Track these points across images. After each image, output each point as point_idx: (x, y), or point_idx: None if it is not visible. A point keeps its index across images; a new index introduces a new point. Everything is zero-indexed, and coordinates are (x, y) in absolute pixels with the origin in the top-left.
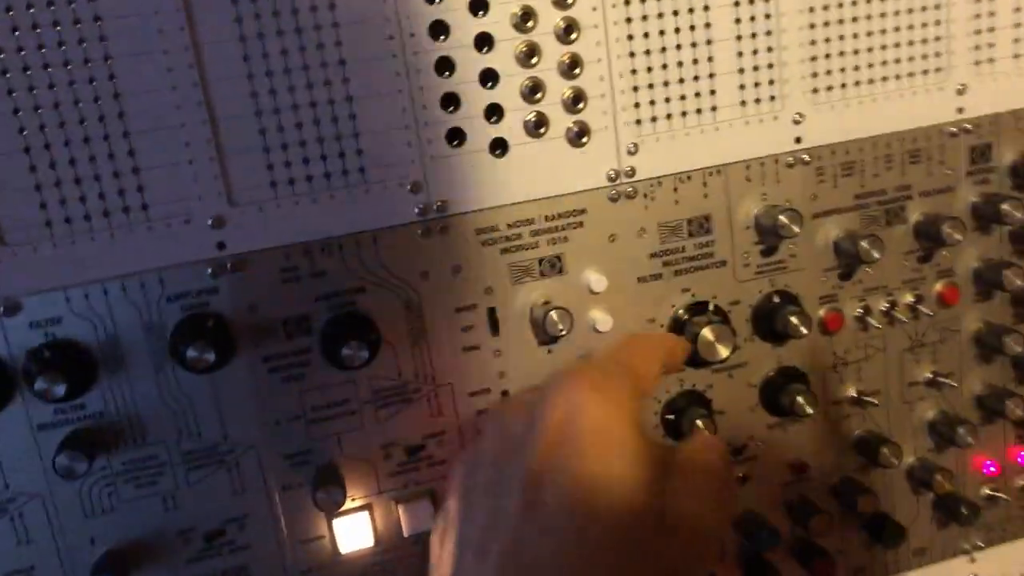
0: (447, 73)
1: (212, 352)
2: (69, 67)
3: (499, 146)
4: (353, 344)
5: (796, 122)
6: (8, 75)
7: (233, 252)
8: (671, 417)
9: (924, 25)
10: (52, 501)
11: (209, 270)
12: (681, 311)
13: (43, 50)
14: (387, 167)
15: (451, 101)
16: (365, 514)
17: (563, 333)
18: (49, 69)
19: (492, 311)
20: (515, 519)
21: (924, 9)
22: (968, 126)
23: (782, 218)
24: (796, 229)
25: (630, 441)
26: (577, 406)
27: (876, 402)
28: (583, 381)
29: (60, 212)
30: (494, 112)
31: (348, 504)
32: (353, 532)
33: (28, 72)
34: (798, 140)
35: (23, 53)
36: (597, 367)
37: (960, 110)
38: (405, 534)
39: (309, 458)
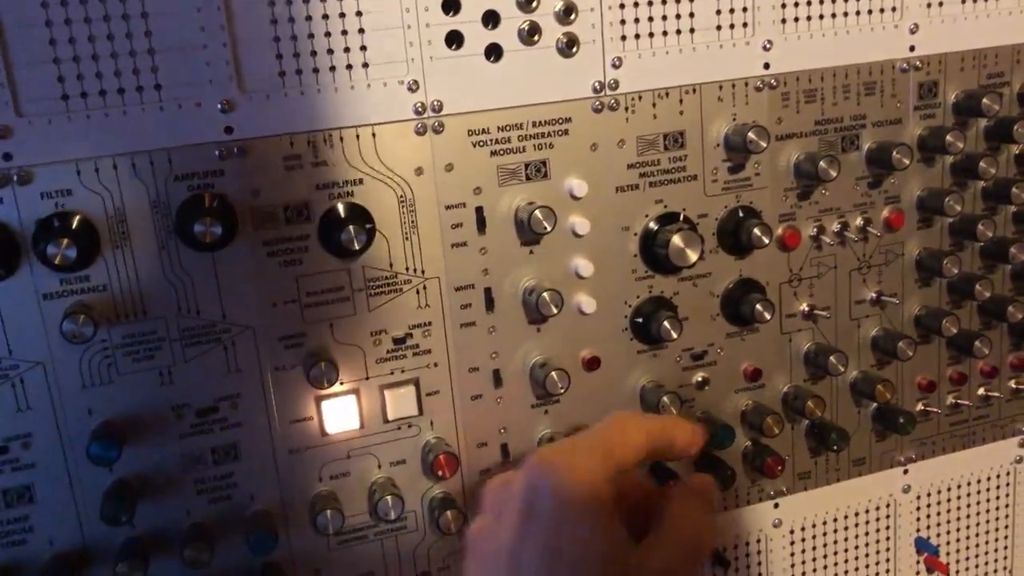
0: None
1: (219, 226)
2: None
3: (494, 51)
4: (351, 229)
5: (766, 48)
6: None
7: (240, 137)
8: (639, 320)
9: None
10: (53, 370)
11: (217, 152)
12: (652, 222)
13: None
14: (388, 65)
15: (451, 6)
16: (352, 397)
17: (547, 231)
18: None
19: (480, 210)
20: None
21: None
22: (918, 63)
23: (751, 135)
24: (763, 144)
25: (590, 512)
26: (542, 477)
27: (827, 315)
28: (551, 453)
29: (77, 87)
30: (491, 18)
31: (336, 388)
32: (340, 414)
33: None
34: (767, 66)
35: None
36: (570, 439)
37: (912, 48)
38: (389, 418)
39: (302, 341)
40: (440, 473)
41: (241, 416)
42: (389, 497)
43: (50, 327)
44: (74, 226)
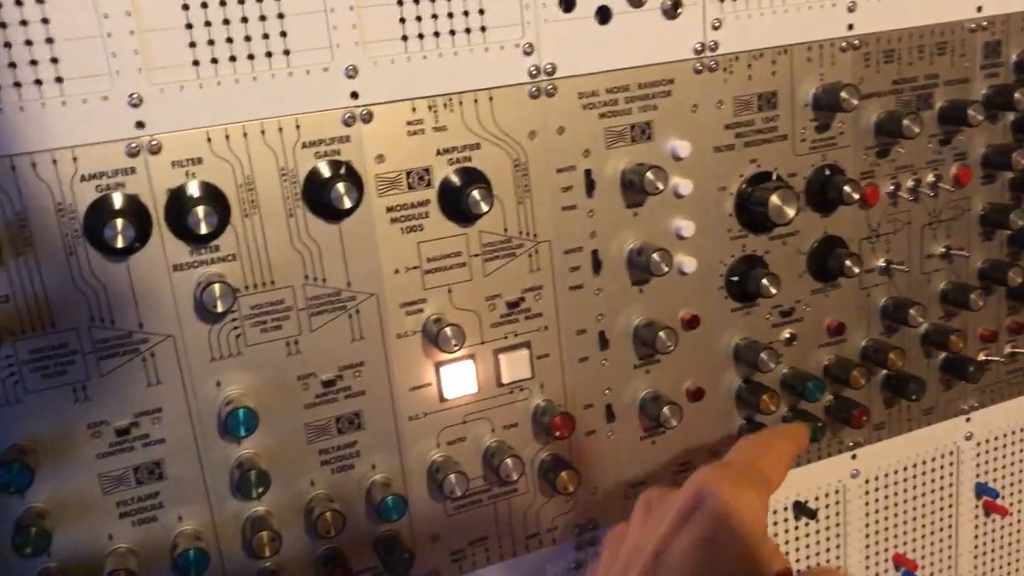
0: None
1: (356, 192)
2: None
3: (604, 14)
4: (476, 194)
5: (850, 10)
6: None
7: (365, 102)
8: (735, 279)
9: None
10: (182, 339)
11: (343, 118)
12: (745, 183)
13: None
14: (504, 27)
15: None
16: (470, 362)
17: (659, 191)
18: None
19: (588, 172)
20: None
21: None
22: (984, 23)
23: (843, 93)
24: (855, 103)
25: (755, 540)
26: (713, 507)
27: (905, 268)
28: (722, 484)
29: (208, 53)
30: None
31: (455, 353)
32: (458, 379)
33: None
34: (850, 27)
35: None
36: (735, 471)
37: (979, 8)
38: (504, 381)
39: (423, 307)
40: (559, 434)
41: (364, 384)
42: (509, 460)
43: (182, 297)
44: (206, 196)
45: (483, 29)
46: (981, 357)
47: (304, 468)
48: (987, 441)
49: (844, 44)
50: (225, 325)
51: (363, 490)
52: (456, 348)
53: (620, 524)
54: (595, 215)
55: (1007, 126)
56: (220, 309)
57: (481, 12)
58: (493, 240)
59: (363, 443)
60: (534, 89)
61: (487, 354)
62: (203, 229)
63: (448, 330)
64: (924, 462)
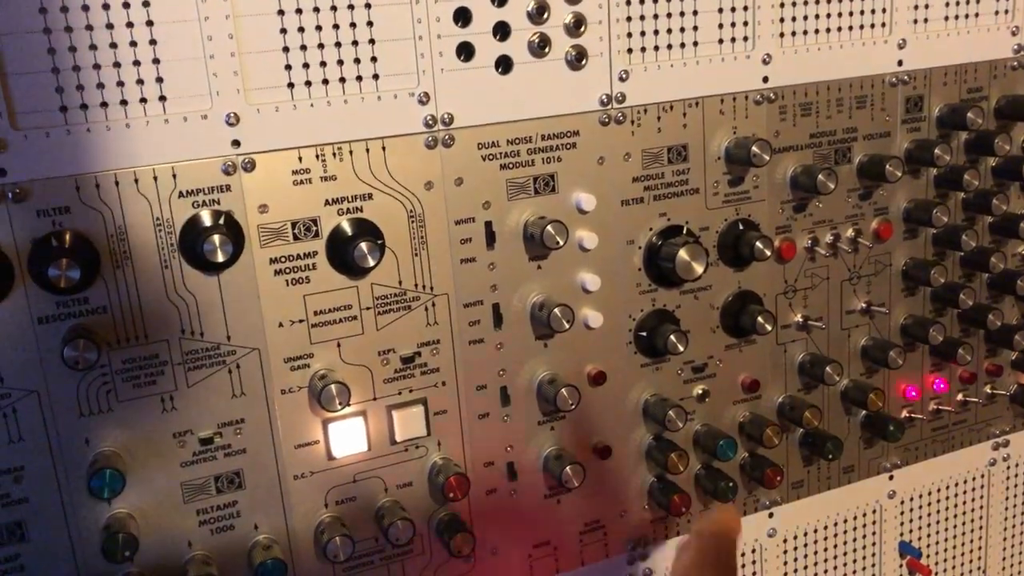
0: None
1: (231, 246)
2: None
3: (505, 63)
4: (364, 246)
5: (765, 62)
6: None
7: (247, 151)
8: (643, 334)
9: None
10: (48, 397)
11: (222, 168)
12: (655, 236)
13: None
14: (398, 76)
15: (463, 16)
16: (360, 419)
17: (559, 246)
18: None
19: (489, 224)
20: None
21: None
22: (905, 77)
23: (755, 148)
24: (767, 158)
25: None
26: None
27: (822, 325)
28: None
29: (77, 98)
30: (502, 30)
31: (344, 410)
32: (347, 437)
33: None
34: (765, 79)
35: None
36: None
37: (900, 63)
38: (398, 439)
39: (310, 362)
40: (452, 495)
41: (245, 442)
42: (400, 522)
43: (46, 353)
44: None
45: (375, 77)
46: (903, 414)
47: (181, 528)
48: (911, 499)
49: (759, 97)
50: (95, 380)
51: (245, 551)
52: (341, 406)
53: None
54: (496, 268)
55: (929, 181)
56: (82, 366)
57: (373, 60)
58: (386, 293)
59: (244, 502)
60: (430, 139)
61: (380, 410)
62: (62, 284)
63: (332, 387)
64: (845, 520)
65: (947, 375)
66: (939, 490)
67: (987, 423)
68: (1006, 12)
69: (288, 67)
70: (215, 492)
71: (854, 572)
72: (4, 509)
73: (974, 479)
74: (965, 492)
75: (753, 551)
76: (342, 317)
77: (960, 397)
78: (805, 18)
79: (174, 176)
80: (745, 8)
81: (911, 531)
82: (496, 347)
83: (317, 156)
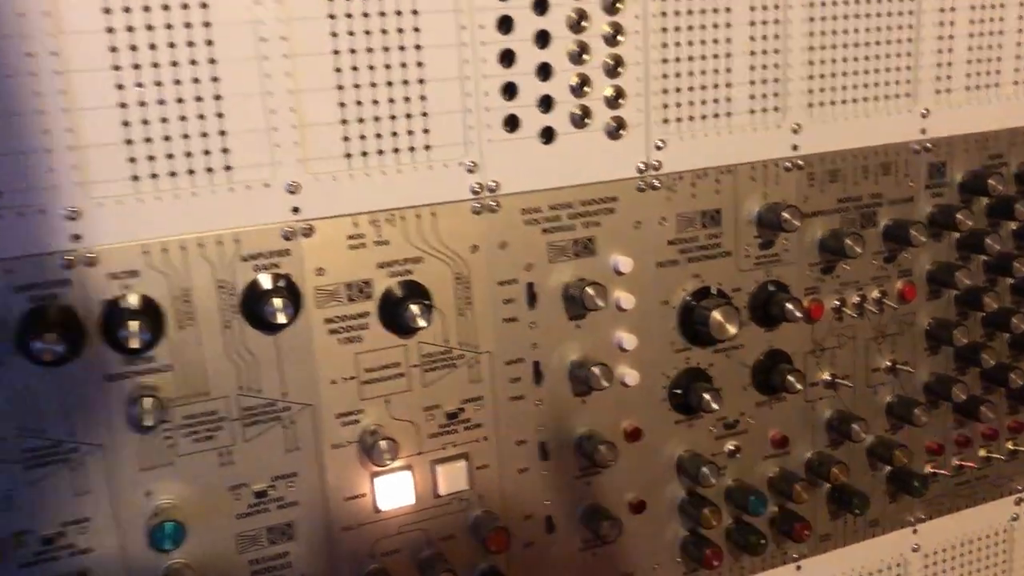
0: (508, 64)
1: (291, 308)
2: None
3: (548, 134)
4: (414, 308)
5: (794, 131)
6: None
7: (305, 217)
8: (678, 391)
9: (898, 56)
10: (113, 451)
11: (282, 233)
12: (688, 296)
13: None
14: (448, 146)
15: (510, 90)
16: (407, 473)
17: (599, 307)
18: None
19: (530, 286)
20: None
21: (899, 42)
22: (928, 145)
23: (785, 214)
24: (797, 223)
25: None
26: None
27: (849, 384)
28: None
29: (148, 167)
30: (546, 102)
31: (391, 464)
32: (394, 490)
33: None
34: (795, 147)
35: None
36: None
37: (923, 131)
38: (441, 493)
39: (360, 417)
40: (493, 548)
41: (298, 495)
42: (443, 574)
43: (113, 409)
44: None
45: (427, 148)
46: (928, 470)
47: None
48: (935, 552)
49: (788, 164)
50: (157, 435)
51: None
52: (390, 461)
53: None
54: (537, 327)
55: (952, 243)
56: (148, 423)
57: (425, 131)
58: (433, 351)
59: (294, 554)
60: (477, 205)
61: (424, 465)
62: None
63: (383, 443)
64: (871, 573)
65: (969, 432)
66: (962, 544)
67: (1009, 478)
68: None
69: (346, 138)
70: (267, 543)
71: None
72: (71, 558)
73: (996, 534)
74: (988, 546)
75: None
76: (391, 374)
77: (983, 452)
78: (833, 89)
79: (236, 241)
80: (776, 80)
81: None
82: (536, 403)
83: (372, 222)
